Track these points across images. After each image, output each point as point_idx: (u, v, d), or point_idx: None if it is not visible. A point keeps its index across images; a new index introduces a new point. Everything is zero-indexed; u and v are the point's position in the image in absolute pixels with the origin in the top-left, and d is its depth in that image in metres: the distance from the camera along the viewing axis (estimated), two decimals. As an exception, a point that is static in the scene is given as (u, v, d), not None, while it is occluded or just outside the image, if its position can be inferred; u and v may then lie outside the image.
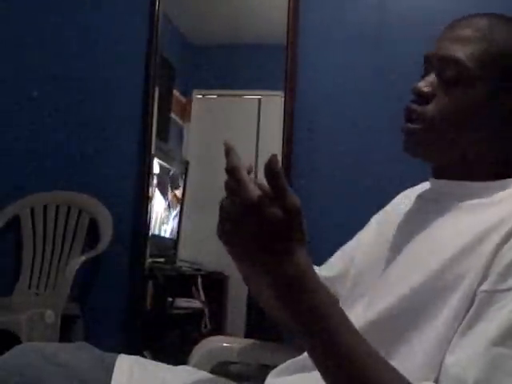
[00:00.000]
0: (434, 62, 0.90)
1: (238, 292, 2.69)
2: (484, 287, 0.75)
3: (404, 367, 0.73)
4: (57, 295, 2.44)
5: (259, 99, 2.86)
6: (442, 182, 0.92)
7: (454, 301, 0.77)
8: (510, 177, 0.87)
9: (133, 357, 0.95)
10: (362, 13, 2.57)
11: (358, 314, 0.87)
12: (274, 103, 2.72)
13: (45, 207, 2.67)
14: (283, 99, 2.57)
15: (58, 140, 2.70)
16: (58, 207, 2.67)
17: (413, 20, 2.51)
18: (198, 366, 1.10)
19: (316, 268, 1.06)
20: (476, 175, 0.88)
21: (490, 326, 0.72)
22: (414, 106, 0.89)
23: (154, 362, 0.98)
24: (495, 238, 0.77)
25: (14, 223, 2.66)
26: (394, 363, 0.73)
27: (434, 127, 0.88)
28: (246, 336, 2.60)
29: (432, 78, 0.89)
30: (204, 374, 1.02)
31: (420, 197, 0.97)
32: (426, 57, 0.92)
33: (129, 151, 2.67)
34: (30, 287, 2.59)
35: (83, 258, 2.47)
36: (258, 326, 2.49)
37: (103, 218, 2.59)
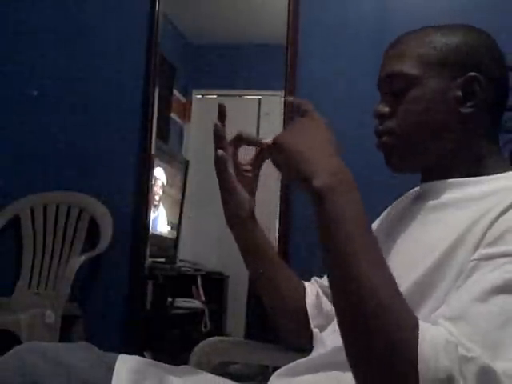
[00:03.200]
0: (383, 84, 0.98)
1: (238, 292, 2.69)
2: (473, 257, 0.75)
3: None
4: (57, 295, 2.43)
5: (259, 99, 2.87)
6: (428, 184, 0.96)
7: (445, 283, 0.78)
8: (489, 171, 0.90)
9: (133, 357, 0.95)
10: (363, 13, 2.57)
11: None
12: (273, 103, 2.72)
13: (45, 207, 2.67)
14: (283, 99, 2.58)
15: (58, 140, 2.70)
16: (58, 207, 2.66)
17: (414, 21, 2.51)
18: (199, 366, 1.10)
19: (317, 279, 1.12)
20: (456, 172, 0.91)
21: (479, 284, 0.70)
22: (380, 127, 0.97)
23: (154, 362, 0.98)
24: (484, 224, 0.77)
25: (14, 223, 2.66)
26: None
27: (403, 136, 0.94)
28: (246, 336, 2.60)
29: (387, 97, 0.97)
30: (204, 374, 1.02)
31: (408, 197, 1.01)
32: (377, 83, 1.00)
33: (129, 151, 2.67)
34: (30, 287, 2.59)
35: (83, 257, 2.47)
36: (258, 326, 2.49)
37: (103, 217, 2.59)
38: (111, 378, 0.88)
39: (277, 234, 2.43)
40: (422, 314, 0.78)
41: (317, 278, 1.15)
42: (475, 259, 0.74)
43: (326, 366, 0.85)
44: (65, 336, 2.38)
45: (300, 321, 1.09)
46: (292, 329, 1.12)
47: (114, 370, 0.90)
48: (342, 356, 0.72)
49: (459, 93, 0.90)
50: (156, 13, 2.67)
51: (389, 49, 0.99)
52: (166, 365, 1.00)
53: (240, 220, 1.06)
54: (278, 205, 2.48)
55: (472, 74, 0.90)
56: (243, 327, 2.69)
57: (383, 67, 0.99)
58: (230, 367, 1.24)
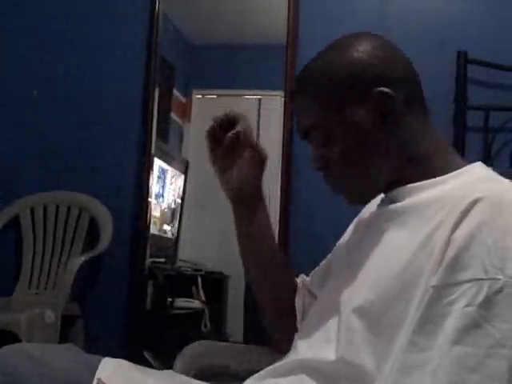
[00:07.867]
0: (307, 139, 0.96)
1: (237, 292, 2.69)
2: (432, 282, 0.73)
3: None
4: (57, 295, 2.43)
5: (259, 99, 2.86)
6: (393, 191, 0.93)
7: (416, 300, 0.75)
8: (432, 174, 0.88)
9: (116, 360, 0.96)
10: (362, 13, 2.57)
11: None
12: (273, 103, 2.72)
13: (45, 207, 2.67)
14: (283, 99, 2.57)
15: (58, 140, 2.70)
16: (57, 207, 2.67)
17: (413, 21, 2.50)
18: (182, 371, 1.10)
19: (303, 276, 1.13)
20: (412, 179, 0.89)
21: (445, 323, 0.70)
22: (325, 177, 0.95)
23: (137, 366, 0.98)
24: (442, 234, 0.75)
25: (14, 223, 2.66)
26: None
27: (348, 177, 0.93)
28: (245, 336, 2.60)
29: (317, 149, 0.95)
30: (186, 379, 1.02)
31: (373, 205, 0.99)
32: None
33: (129, 151, 2.67)
34: (30, 287, 2.60)
35: (83, 258, 2.47)
36: (257, 327, 2.48)
37: (103, 217, 2.59)
38: (93, 380, 0.89)
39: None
40: (384, 323, 0.78)
41: (304, 277, 1.14)
42: (434, 286, 0.73)
43: (296, 370, 0.85)
44: (65, 336, 2.38)
45: (288, 319, 1.09)
46: (281, 327, 1.11)
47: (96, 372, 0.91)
48: (310, 363, 0.71)
49: (376, 114, 0.88)
50: (156, 13, 2.68)
51: (293, 96, 0.97)
52: (148, 368, 1.01)
53: (244, 196, 1.07)
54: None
55: (375, 90, 0.88)
56: (243, 327, 2.68)
57: (297, 122, 0.97)
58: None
